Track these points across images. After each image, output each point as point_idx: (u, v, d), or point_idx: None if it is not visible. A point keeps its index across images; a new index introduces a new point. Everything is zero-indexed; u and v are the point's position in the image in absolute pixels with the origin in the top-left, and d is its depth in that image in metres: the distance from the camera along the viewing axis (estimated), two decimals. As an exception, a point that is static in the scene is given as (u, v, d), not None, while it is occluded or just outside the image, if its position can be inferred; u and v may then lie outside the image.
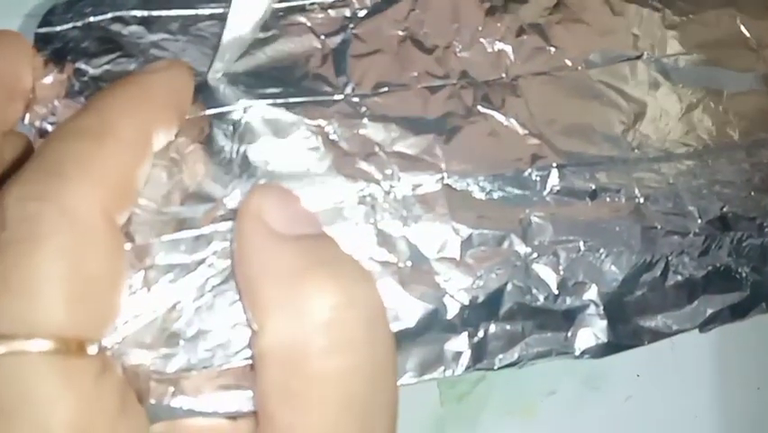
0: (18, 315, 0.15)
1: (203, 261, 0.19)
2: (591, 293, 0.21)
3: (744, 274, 0.23)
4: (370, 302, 0.17)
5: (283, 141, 0.21)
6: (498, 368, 0.20)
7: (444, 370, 0.20)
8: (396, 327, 0.20)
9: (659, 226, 0.22)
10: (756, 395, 0.36)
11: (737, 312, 0.22)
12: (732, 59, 0.25)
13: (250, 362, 0.19)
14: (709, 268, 0.22)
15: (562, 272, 0.21)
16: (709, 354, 0.35)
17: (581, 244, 0.22)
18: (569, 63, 0.23)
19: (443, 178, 0.21)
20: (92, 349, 0.16)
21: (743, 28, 0.25)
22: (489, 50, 0.23)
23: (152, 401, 0.18)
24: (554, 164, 0.22)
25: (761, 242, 0.23)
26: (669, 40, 0.24)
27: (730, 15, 0.25)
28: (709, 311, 0.22)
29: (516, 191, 0.22)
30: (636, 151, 0.23)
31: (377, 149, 0.21)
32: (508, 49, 0.23)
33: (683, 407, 0.35)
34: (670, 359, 0.35)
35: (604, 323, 0.21)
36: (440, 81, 0.22)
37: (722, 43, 0.25)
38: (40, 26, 0.21)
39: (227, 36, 0.21)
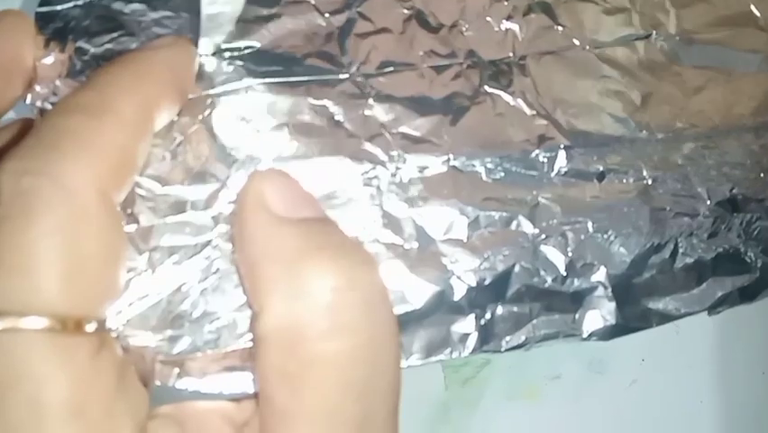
0: (12, 292, 0.14)
1: (208, 243, 0.19)
2: (600, 275, 0.21)
3: (753, 256, 0.22)
4: (371, 285, 0.17)
5: (287, 121, 0.21)
6: (505, 350, 0.20)
7: (451, 352, 0.20)
8: (402, 308, 0.20)
9: (668, 208, 0.22)
10: (761, 380, 0.36)
11: (746, 295, 0.22)
12: (742, 38, 0.24)
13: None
14: (719, 250, 0.22)
15: (570, 254, 0.21)
16: (714, 338, 0.35)
17: (590, 225, 0.21)
18: (577, 42, 0.23)
19: (449, 159, 0.21)
20: (89, 327, 0.15)
21: (753, 7, 0.25)
22: (496, 29, 0.22)
23: (158, 383, 0.18)
24: (562, 145, 0.22)
25: None
26: (678, 19, 0.24)
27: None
28: (719, 294, 0.22)
29: (524, 172, 0.21)
30: (644, 132, 0.23)
31: (382, 130, 0.21)
32: (515, 28, 0.23)
33: (688, 391, 0.35)
34: (675, 343, 0.35)
35: (612, 305, 0.21)
36: (446, 61, 0.22)
37: (732, 23, 0.24)
38: (40, 5, 0.21)
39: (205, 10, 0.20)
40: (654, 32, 0.24)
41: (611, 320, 0.21)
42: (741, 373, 0.36)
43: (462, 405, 0.35)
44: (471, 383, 0.34)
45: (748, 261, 0.22)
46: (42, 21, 0.21)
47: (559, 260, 0.21)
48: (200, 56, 0.21)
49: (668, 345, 0.35)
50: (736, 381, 0.36)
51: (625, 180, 0.22)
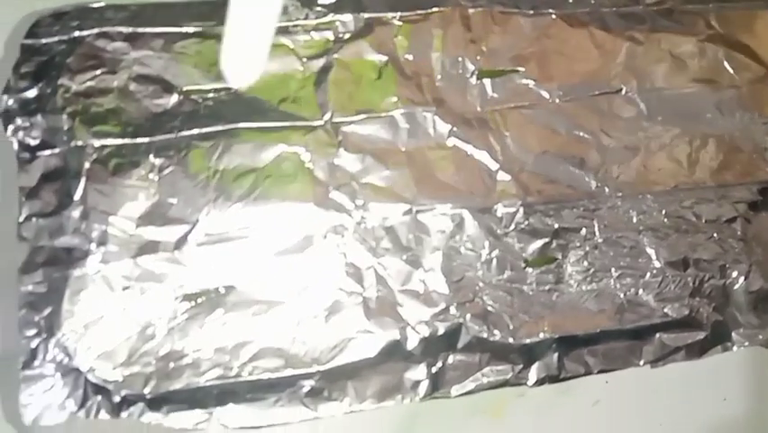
0: None
1: (177, 284, 0.20)
2: (545, 329, 0.22)
3: (705, 314, 0.23)
4: None
5: (260, 165, 0.21)
6: (455, 397, 0.21)
7: (403, 398, 0.21)
8: (358, 355, 0.21)
9: (612, 270, 0.23)
10: (722, 406, 0.37)
11: (693, 351, 0.23)
12: (710, 97, 0.25)
13: (216, 382, 0.20)
14: (666, 309, 0.23)
15: (517, 309, 0.22)
16: (679, 365, 0.36)
17: (535, 283, 0.22)
18: (546, 96, 0.23)
19: (411, 210, 0.22)
20: None
21: (726, 64, 0.25)
22: (468, 81, 0.23)
23: (124, 416, 0.19)
24: (521, 201, 0.23)
25: (723, 283, 0.24)
26: (650, 75, 0.24)
27: (714, 49, 0.25)
28: (664, 350, 0.23)
29: (481, 227, 0.22)
30: (606, 188, 0.23)
31: (349, 179, 0.22)
32: (486, 81, 0.23)
33: (649, 415, 0.36)
34: (640, 368, 0.36)
35: (556, 355, 0.22)
36: (418, 108, 0.23)
37: (703, 81, 0.25)
38: (26, 37, 0.21)
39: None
40: (625, 87, 0.24)
41: (555, 370, 0.22)
42: (703, 399, 0.37)
43: (430, 417, 0.36)
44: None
45: (699, 319, 0.23)
46: (27, 53, 0.21)
47: (507, 313, 0.22)
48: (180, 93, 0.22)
49: (633, 369, 0.36)
50: (698, 406, 0.37)
51: (578, 243, 0.23)
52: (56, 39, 0.22)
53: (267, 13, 0.16)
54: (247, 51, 0.17)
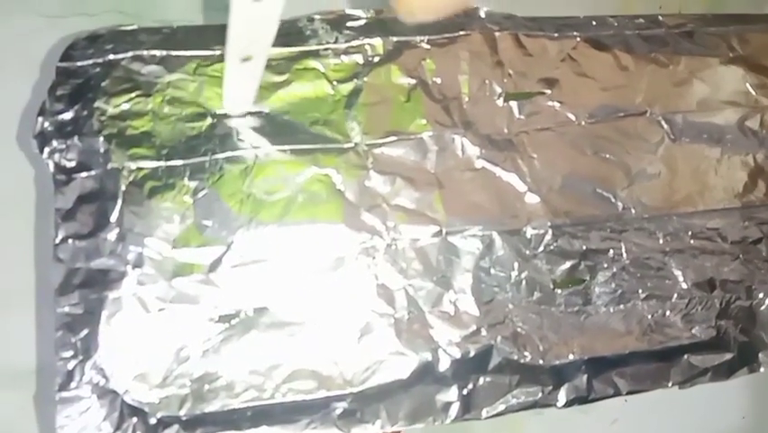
0: None
1: (211, 306, 0.20)
2: (575, 350, 0.22)
3: (731, 335, 0.23)
4: None
5: (292, 187, 0.22)
6: (485, 418, 0.21)
7: (434, 420, 0.21)
8: (390, 377, 0.21)
9: (639, 291, 0.23)
10: (741, 424, 0.37)
11: (721, 373, 0.23)
12: (734, 117, 0.25)
13: (250, 404, 0.20)
14: (694, 330, 0.23)
15: (546, 330, 0.22)
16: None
17: (563, 306, 0.22)
18: (572, 118, 0.24)
19: (440, 231, 0.22)
20: None
21: (748, 86, 0.25)
22: (495, 103, 0.23)
23: None
24: (550, 223, 0.23)
25: (749, 304, 0.24)
26: (674, 97, 0.25)
27: (736, 71, 0.25)
28: (692, 372, 0.23)
29: (511, 248, 0.22)
30: (633, 210, 0.23)
31: (380, 201, 0.22)
32: (513, 103, 0.23)
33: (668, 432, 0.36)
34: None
35: (585, 377, 0.22)
36: (446, 131, 0.23)
37: (727, 102, 0.25)
38: (61, 60, 0.22)
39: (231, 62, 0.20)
40: (649, 109, 0.24)
41: (584, 391, 0.22)
42: (721, 417, 0.37)
43: (449, 435, 0.36)
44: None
45: (726, 340, 0.23)
46: (63, 75, 0.22)
47: (536, 336, 0.22)
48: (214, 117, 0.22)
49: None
50: (717, 424, 0.37)
51: (605, 264, 0.23)
52: (91, 62, 0.22)
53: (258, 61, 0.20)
54: (242, 87, 0.21)
